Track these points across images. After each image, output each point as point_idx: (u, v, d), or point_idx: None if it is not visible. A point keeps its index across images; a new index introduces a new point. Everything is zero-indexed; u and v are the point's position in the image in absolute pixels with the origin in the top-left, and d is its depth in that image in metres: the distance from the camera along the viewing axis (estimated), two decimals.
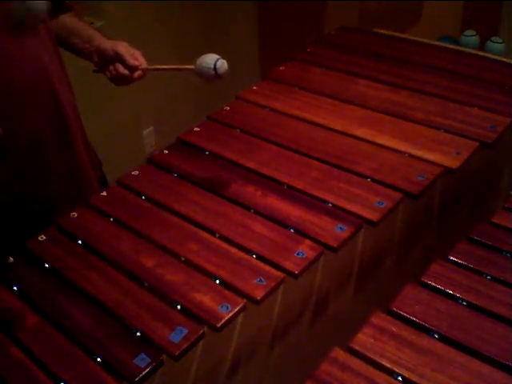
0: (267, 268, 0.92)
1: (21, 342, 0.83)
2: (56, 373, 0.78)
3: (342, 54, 1.58)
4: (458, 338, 0.81)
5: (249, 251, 0.96)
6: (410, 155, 1.16)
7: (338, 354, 0.80)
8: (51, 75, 1.07)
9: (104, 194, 1.12)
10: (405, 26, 2.33)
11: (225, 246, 0.97)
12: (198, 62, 1.01)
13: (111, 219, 1.05)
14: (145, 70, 1.11)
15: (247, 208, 1.06)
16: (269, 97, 1.40)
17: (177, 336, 0.81)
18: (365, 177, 1.12)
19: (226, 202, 1.08)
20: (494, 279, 0.91)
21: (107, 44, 1.12)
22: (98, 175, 1.26)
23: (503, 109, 1.28)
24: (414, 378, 0.76)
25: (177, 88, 2.34)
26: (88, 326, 0.84)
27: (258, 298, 0.87)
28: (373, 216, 1.01)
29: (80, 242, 1.01)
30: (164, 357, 0.80)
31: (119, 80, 1.12)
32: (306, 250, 0.95)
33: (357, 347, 0.81)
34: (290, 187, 1.11)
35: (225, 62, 1.01)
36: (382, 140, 1.22)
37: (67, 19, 1.18)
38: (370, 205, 1.04)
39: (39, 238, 1.01)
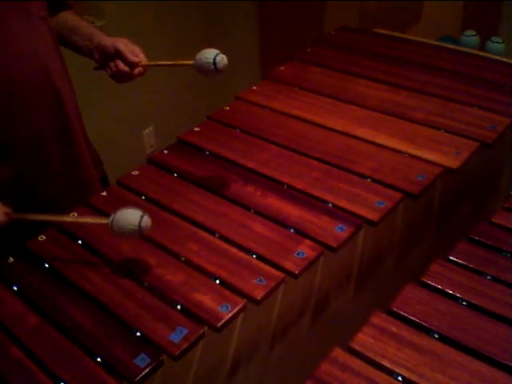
0: (267, 268, 0.92)
1: (21, 341, 0.83)
2: (56, 373, 0.78)
3: (342, 54, 1.58)
4: (458, 338, 0.81)
5: (249, 251, 0.96)
6: (410, 155, 1.16)
7: (338, 353, 0.80)
8: (52, 74, 1.07)
9: (104, 193, 1.12)
10: (405, 26, 2.33)
11: (225, 246, 0.97)
12: (197, 57, 1.01)
13: None
14: (145, 67, 1.11)
15: (247, 208, 1.06)
16: (269, 97, 1.40)
17: (177, 336, 0.81)
18: (365, 177, 1.12)
19: (226, 202, 1.08)
20: (494, 279, 0.91)
21: (107, 41, 1.12)
22: (100, 174, 1.26)
23: (503, 109, 1.28)
24: (413, 377, 0.76)
25: (177, 88, 2.34)
26: (88, 326, 0.84)
27: (258, 298, 0.87)
28: (373, 216, 1.01)
29: (80, 241, 1.01)
30: (164, 357, 0.80)
31: (120, 77, 1.12)
32: (306, 250, 0.95)
33: (357, 347, 0.81)
34: (290, 187, 1.11)
35: (224, 56, 1.00)
36: (381, 140, 1.22)
37: (68, 17, 1.18)
38: (370, 205, 1.04)
39: (39, 238, 1.01)
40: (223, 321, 0.83)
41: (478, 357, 0.78)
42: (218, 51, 1.00)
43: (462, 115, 1.28)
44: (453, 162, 1.13)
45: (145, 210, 0.88)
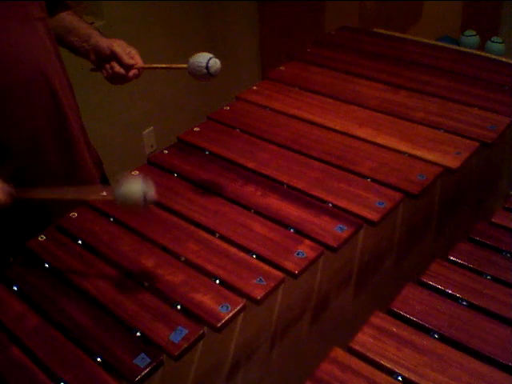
0: (267, 268, 0.92)
1: (21, 341, 0.83)
2: (56, 373, 0.78)
3: (341, 54, 1.58)
4: (458, 338, 0.81)
5: (249, 251, 0.96)
6: (410, 155, 1.16)
7: (338, 353, 0.80)
8: (50, 75, 1.07)
9: (104, 193, 1.12)
10: (405, 26, 2.33)
11: (225, 245, 0.97)
12: (190, 61, 0.99)
13: (111, 219, 1.06)
14: (140, 69, 1.11)
15: (247, 208, 1.06)
16: (269, 97, 1.40)
17: (177, 336, 0.81)
18: (365, 177, 1.12)
19: (226, 202, 1.08)
20: (494, 279, 0.91)
21: (104, 42, 1.12)
22: (100, 174, 1.26)
23: (503, 109, 1.28)
24: (413, 377, 0.76)
25: (177, 88, 2.34)
26: (88, 326, 0.84)
27: (258, 297, 0.87)
28: (373, 216, 1.01)
29: (80, 241, 1.01)
30: (164, 357, 0.80)
31: (115, 79, 1.12)
32: (306, 250, 0.95)
33: (357, 347, 0.81)
34: (289, 187, 1.11)
35: (218, 60, 0.99)
36: (381, 140, 1.22)
37: (66, 17, 1.18)
38: (370, 205, 1.04)
39: (39, 238, 1.01)
40: (223, 321, 0.83)
41: (477, 357, 0.79)
42: (211, 55, 0.99)
43: (462, 115, 1.28)
44: (453, 162, 1.13)
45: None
